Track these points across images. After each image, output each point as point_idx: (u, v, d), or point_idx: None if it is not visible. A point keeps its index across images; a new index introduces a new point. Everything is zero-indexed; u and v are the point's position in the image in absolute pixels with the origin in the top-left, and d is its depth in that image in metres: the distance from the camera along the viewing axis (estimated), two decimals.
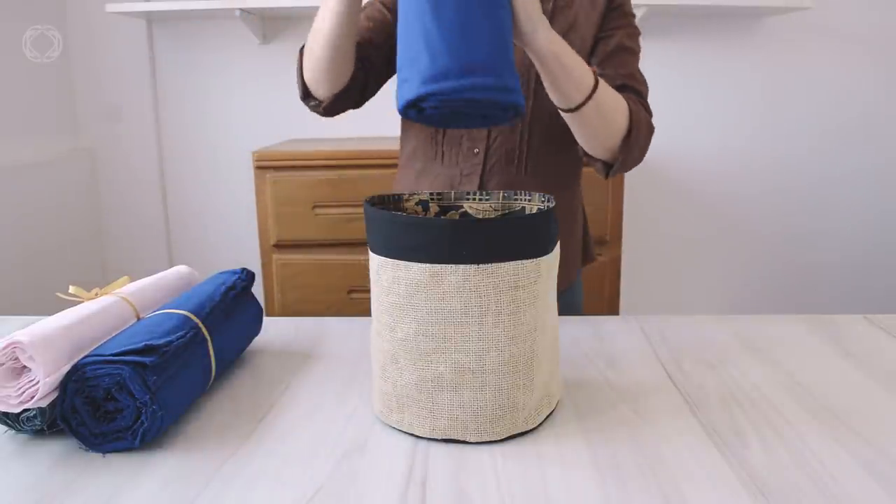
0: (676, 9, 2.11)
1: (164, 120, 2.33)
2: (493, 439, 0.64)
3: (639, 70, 1.02)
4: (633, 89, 0.99)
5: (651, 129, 0.97)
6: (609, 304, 1.91)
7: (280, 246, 1.89)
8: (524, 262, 0.64)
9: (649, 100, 1.01)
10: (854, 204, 2.40)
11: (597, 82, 0.86)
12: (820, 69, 2.29)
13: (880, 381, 0.77)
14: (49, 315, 0.71)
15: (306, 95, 0.99)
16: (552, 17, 0.99)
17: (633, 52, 1.02)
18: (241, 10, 2.04)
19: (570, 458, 0.61)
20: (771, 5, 2.08)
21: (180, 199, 2.38)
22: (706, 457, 0.61)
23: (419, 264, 0.63)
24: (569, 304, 1.12)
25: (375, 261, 0.66)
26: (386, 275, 0.65)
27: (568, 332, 0.93)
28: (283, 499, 0.56)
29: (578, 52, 0.89)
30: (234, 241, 2.37)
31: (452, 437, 0.65)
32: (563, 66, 0.82)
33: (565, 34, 0.96)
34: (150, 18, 2.23)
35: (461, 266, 0.62)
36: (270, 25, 2.26)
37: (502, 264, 0.63)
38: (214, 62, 2.28)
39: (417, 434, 0.65)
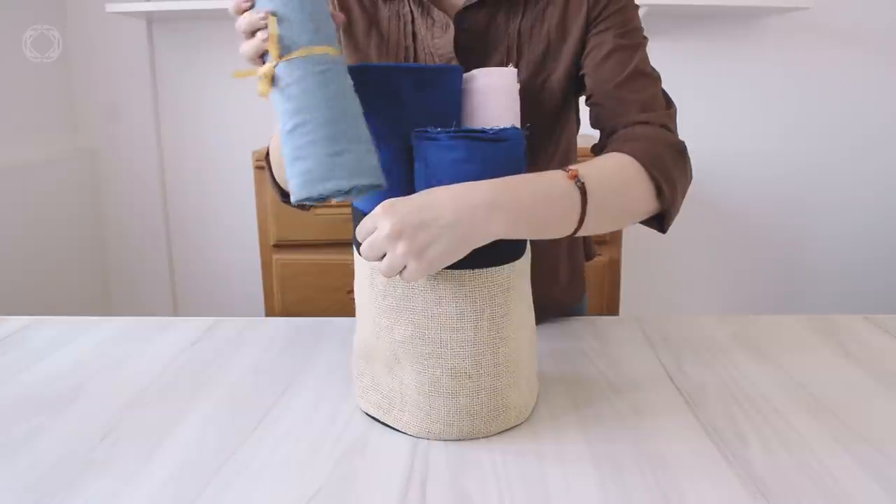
0: (676, 9, 2.11)
1: (164, 120, 2.33)
2: (485, 436, 0.65)
3: (653, 86, 0.82)
4: (655, 123, 0.80)
5: (681, 153, 0.80)
6: (609, 304, 1.91)
7: (280, 246, 1.89)
8: (514, 263, 0.65)
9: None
10: (854, 204, 2.39)
11: (583, 194, 0.65)
12: (819, 69, 2.29)
13: (880, 381, 0.77)
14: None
15: (287, 198, 0.84)
16: (518, 48, 0.81)
17: (648, 74, 0.82)
18: None
19: (570, 458, 0.61)
20: (770, 5, 2.07)
21: (180, 198, 2.37)
22: (706, 456, 0.61)
23: None
24: (575, 308, 1.09)
25: (371, 265, 0.65)
26: (380, 278, 0.64)
27: (568, 332, 0.93)
28: (283, 499, 0.56)
29: (560, 79, 0.81)
30: (234, 241, 2.37)
31: (446, 439, 0.65)
32: (537, 225, 0.64)
33: (540, 63, 0.81)
34: (150, 18, 2.23)
35: (457, 271, 0.62)
36: None
37: (497, 268, 0.63)
38: (214, 62, 2.28)
39: (411, 434, 0.66)
